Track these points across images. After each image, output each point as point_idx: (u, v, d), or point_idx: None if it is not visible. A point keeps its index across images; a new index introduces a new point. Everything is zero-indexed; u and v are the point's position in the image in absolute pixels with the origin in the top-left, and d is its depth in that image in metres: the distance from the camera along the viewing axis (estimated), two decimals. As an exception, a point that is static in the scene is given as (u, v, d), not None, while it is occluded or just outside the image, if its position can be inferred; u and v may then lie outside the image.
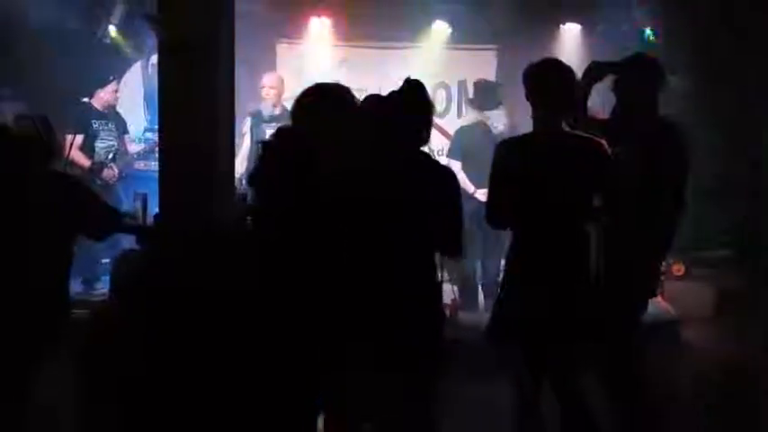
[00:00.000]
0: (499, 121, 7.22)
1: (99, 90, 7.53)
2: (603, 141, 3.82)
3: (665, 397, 4.39)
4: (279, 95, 7.35)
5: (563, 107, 3.84)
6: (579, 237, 3.85)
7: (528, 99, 3.87)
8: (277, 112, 7.23)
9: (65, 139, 7.02)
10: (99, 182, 7.28)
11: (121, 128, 7.79)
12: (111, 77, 7.68)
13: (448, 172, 3.72)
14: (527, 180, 3.75)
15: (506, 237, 7.17)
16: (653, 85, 4.26)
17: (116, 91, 7.64)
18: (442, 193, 3.57)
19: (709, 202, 7.29)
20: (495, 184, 3.87)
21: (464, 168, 7.14)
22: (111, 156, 7.49)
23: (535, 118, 3.87)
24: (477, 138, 7.18)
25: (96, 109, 7.49)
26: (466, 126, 7.44)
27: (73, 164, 7.01)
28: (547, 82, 3.82)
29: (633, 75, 4.27)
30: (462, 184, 7.07)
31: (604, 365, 4.19)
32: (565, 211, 3.77)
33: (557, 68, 3.87)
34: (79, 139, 7.20)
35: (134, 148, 7.93)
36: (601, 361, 4.18)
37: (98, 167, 7.35)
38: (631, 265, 4.17)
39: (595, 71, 4.23)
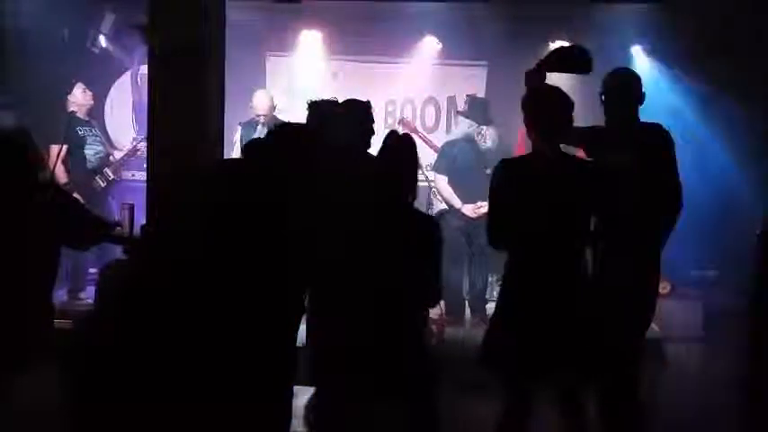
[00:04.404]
0: (488, 138, 7.25)
1: (68, 96, 7.47)
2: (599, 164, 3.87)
3: (653, 415, 4.38)
4: (268, 116, 7.36)
5: (561, 131, 3.86)
6: (578, 260, 3.83)
7: (526, 122, 3.88)
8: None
9: (50, 150, 7.01)
10: (102, 183, 7.32)
11: None
12: (73, 80, 7.60)
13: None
14: (528, 202, 3.74)
15: (493, 252, 7.26)
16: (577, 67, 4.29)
17: (84, 91, 7.58)
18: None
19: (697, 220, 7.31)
20: (497, 205, 3.86)
21: (451, 183, 7.15)
22: (101, 161, 7.48)
23: (534, 140, 3.86)
24: (464, 152, 7.19)
25: (79, 117, 7.45)
26: (453, 140, 7.45)
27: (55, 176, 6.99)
28: (546, 107, 3.84)
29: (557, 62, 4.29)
30: (449, 199, 7.14)
31: (606, 391, 4.15)
32: (565, 234, 3.75)
33: (555, 93, 3.88)
34: (63, 150, 7.17)
35: (118, 154, 7.91)
36: (603, 387, 4.14)
37: (89, 176, 7.37)
38: (633, 285, 4.15)
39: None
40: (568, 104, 3.86)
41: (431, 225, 3.81)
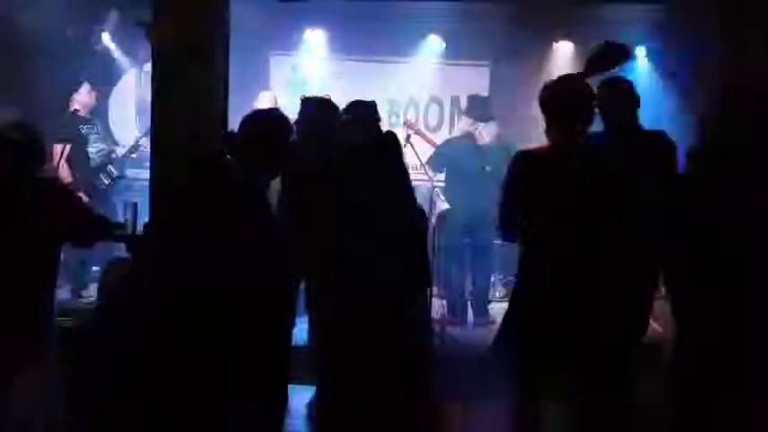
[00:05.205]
0: (488, 134, 7.22)
1: (75, 94, 7.49)
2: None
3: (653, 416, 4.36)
4: None
5: (584, 125, 3.76)
6: (593, 254, 3.71)
7: (547, 115, 3.77)
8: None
9: (53, 149, 7.01)
10: (106, 181, 7.34)
11: None
12: (81, 79, 7.62)
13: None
14: (547, 195, 3.65)
15: (495, 251, 7.25)
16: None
17: (90, 91, 7.60)
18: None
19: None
20: (510, 197, 3.77)
21: (446, 181, 7.16)
22: (105, 159, 7.49)
23: (553, 134, 3.76)
24: (463, 150, 7.16)
25: (81, 115, 7.46)
26: (452, 138, 7.45)
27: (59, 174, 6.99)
28: (571, 101, 3.75)
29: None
30: (449, 201, 7.12)
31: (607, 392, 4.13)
32: (581, 230, 3.66)
33: (579, 87, 3.80)
34: (67, 149, 7.17)
35: (120, 151, 7.92)
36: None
37: (93, 174, 7.38)
38: (633, 282, 4.12)
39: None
40: (591, 97, 3.78)
41: (421, 215, 3.93)
